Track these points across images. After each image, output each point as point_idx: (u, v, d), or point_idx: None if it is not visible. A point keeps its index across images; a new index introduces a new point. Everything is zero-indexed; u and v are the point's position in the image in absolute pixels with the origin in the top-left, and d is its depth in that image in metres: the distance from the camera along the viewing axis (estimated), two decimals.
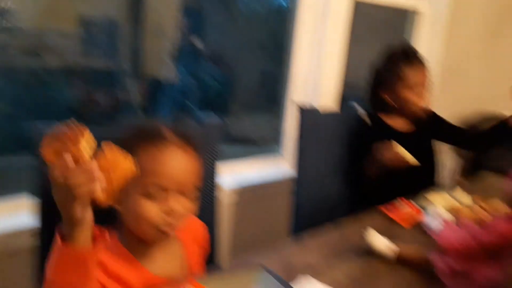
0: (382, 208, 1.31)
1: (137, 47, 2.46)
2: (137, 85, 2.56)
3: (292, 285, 0.87)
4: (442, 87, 2.19)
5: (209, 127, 1.16)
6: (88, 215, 0.59)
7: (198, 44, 2.42)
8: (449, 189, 1.58)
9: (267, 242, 1.03)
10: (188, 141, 0.80)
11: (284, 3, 2.33)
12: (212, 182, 1.18)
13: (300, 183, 1.57)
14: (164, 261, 0.84)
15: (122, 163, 0.60)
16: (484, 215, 1.26)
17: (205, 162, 1.03)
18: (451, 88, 2.39)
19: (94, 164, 0.54)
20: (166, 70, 2.54)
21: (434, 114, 1.69)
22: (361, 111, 1.70)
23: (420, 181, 1.58)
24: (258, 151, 2.31)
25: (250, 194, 1.89)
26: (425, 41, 2.32)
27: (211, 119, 1.18)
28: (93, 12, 2.28)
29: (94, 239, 0.62)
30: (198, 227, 0.97)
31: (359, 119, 1.67)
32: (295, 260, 1.02)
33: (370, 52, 1.91)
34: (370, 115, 1.68)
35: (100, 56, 2.43)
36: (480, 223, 0.98)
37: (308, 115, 1.55)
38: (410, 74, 1.52)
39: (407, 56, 1.55)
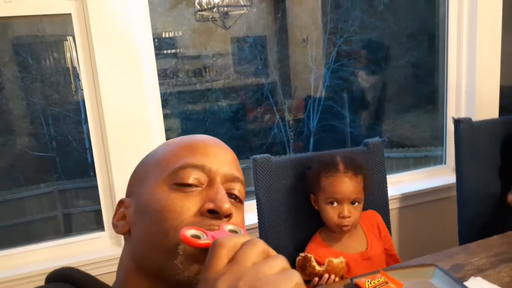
0: None
1: (285, 59, 2.58)
2: (289, 99, 2.67)
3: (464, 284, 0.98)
4: None
5: (373, 147, 1.42)
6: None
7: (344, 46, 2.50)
8: None
9: (435, 248, 1.20)
10: (355, 167, 1.21)
11: None
12: (382, 192, 1.44)
13: (462, 193, 1.58)
14: (349, 243, 1.24)
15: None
16: None
17: (374, 176, 1.38)
18: None
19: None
20: (315, 79, 2.64)
21: None
22: None
23: None
24: (420, 156, 2.27)
25: (415, 201, 1.90)
26: None
27: (373, 140, 1.45)
28: (243, 32, 2.49)
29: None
30: (374, 214, 1.34)
31: None
32: (463, 263, 1.12)
33: None
34: None
35: (253, 72, 2.62)
36: None
37: (463, 126, 1.55)
38: None
39: None
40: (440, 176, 1.96)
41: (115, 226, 0.56)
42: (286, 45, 2.82)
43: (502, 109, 1.86)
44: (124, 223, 0.55)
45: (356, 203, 1.19)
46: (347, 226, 1.17)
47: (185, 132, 2.17)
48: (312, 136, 2.71)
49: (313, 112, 2.74)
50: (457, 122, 1.54)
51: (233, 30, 2.51)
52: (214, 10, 1.77)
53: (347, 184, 1.17)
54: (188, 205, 0.50)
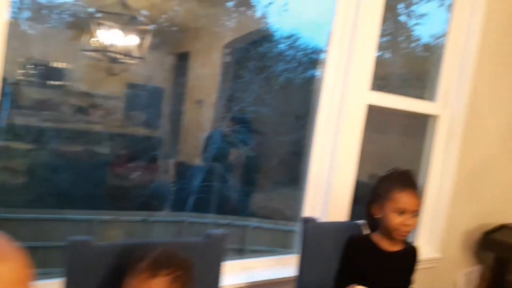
0: None
1: (179, 114, 2.65)
2: (172, 161, 2.65)
3: None
4: (459, 195, 2.22)
5: (214, 240, 1.33)
6: None
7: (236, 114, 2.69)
8: None
9: None
10: (156, 267, 0.98)
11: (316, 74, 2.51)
12: None
13: None
14: None
15: None
16: None
17: (209, 274, 1.25)
18: (468, 196, 2.31)
19: None
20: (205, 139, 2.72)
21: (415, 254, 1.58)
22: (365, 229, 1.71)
23: None
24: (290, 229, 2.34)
25: None
26: (443, 145, 2.26)
27: (216, 232, 1.35)
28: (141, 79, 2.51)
29: None
30: None
31: (354, 235, 1.65)
32: None
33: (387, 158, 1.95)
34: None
35: (143, 121, 2.62)
36: None
37: (307, 225, 1.61)
38: (402, 199, 1.47)
39: (403, 180, 1.51)
40: (293, 265, 1.82)
41: None
42: (183, 102, 2.86)
43: (356, 200, 1.97)
44: None
45: None
46: None
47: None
48: (193, 195, 2.70)
49: (198, 171, 2.74)
50: (302, 220, 1.53)
51: (131, 75, 2.47)
52: (102, 53, 1.73)
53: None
54: None
